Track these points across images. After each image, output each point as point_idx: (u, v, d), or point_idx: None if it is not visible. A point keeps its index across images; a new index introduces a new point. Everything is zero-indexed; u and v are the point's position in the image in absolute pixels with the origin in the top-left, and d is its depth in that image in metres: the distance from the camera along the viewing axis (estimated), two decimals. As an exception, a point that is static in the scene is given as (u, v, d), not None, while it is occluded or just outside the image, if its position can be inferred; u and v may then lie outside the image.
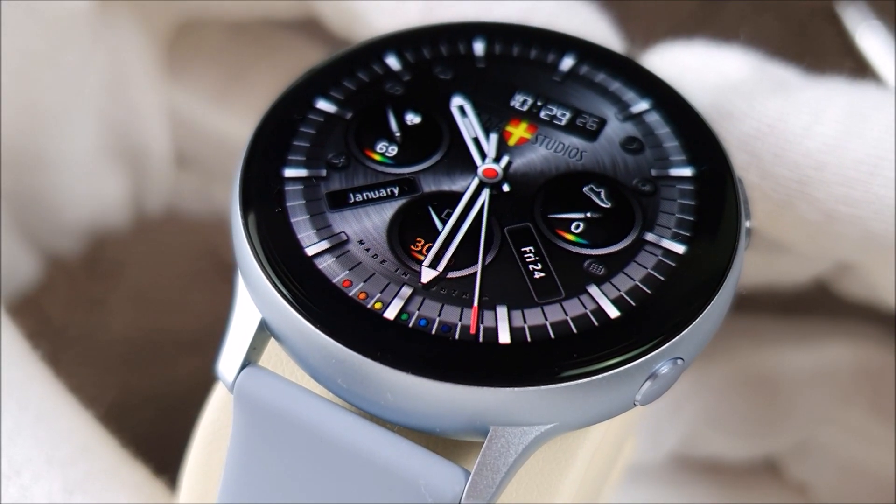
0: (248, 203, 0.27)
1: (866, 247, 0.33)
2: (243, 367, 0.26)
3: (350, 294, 0.25)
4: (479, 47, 0.30)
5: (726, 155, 0.29)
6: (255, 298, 0.26)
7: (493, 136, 0.29)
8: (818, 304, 0.41)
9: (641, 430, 0.39)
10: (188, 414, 0.46)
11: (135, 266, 0.48)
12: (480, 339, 0.25)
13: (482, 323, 0.25)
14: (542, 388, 0.24)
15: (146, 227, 0.44)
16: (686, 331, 0.25)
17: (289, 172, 0.27)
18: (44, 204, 0.39)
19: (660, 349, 0.25)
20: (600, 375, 0.25)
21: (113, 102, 0.38)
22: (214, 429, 0.29)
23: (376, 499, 0.25)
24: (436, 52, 0.30)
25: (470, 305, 0.25)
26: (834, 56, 0.49)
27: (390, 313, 0.25)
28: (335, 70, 0.30)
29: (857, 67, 0.35)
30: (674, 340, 0.25)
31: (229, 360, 0.26)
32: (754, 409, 0.40)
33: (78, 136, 0.38)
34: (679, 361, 0.26)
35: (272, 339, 0.27)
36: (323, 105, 0.29)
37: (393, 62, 0.30)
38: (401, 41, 0.31)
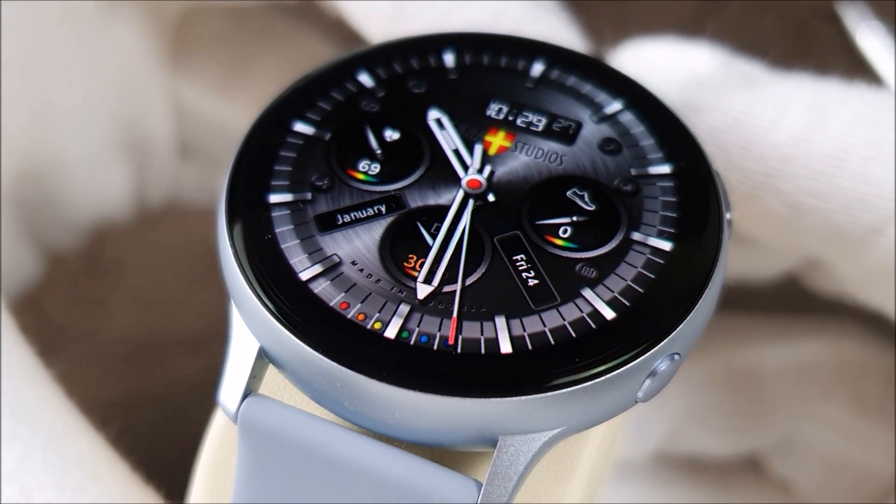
0: (236, 232, 0.27)
1: (833, 240, 0.33)
2: (245, 396, 0.26)
3: (349, 316, 0.25)
4: (449, 59, 0.31)
5: (702, 149, 0.29)
6: (251, 327, 0.26)
7: (478, 147, 0.29)
8: (790, 302, 0.41)
9: (624, 428, 0.39)
10: (188, 414, 0.46)
11: (135, 266, 0.48)
12: (483, 351, 0.25)
13: (461, 334, 0.25)
14: (548, 394, 0.24)
15: (148, 222, 0.44)
16: (681, 326, 0.26)
17: (274, 198, 0.27)
18: (46, 199, 0.39)
19: (657, 347, 0.25)
20: (603, 378, 0.25)
21: (117, 95, 0.39)
22: (217, 458, 0.29)
23: None
24: (407, 66, 0.30)
25: (474, 319, 0.26)
26: (834, 56, 0.49)
27: (391, 332, 0.25)
28: (309, 91, 0.30)
29: (852, 67, 0.35)
30: (670, 337, 0.26)
31: (230, 391, 0.26)
32: (736, 406, 0.41)
33: (82, 130, 0.38)
34: (676, 357, 0.26)
35: (271, 365, 0.27)
36: (300, 128, 0.29)
37: (365, 79, 0.30)
38: (371, 57, 0.30)
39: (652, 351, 0.25)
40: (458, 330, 0.25)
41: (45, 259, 0.42)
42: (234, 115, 0.40)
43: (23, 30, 0.35)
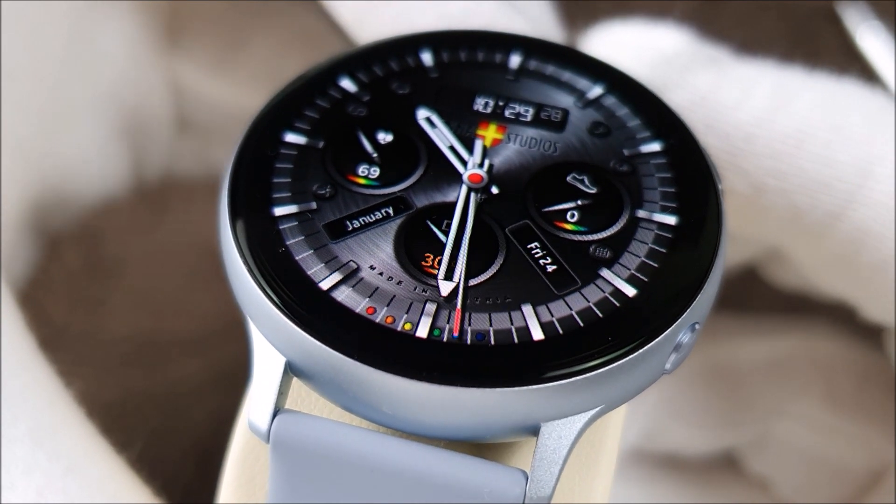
0: (247, 249, 0.26)
1: (794, 224, 0.34)
2: (275, 414, 0.26)
3: (377, 321, 0.25)
4: (427, 58, 0.31)
5: (686, 124, 0.30)
6: (276, 343, 0.26)
7: (477, 142, 0.29)
8: (757, 299, 0.42)
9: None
10: (188, 414, 0.46)
11: (135, 266, 0.48)
12: (516, 341, 0.25)
13: (492, 326, 0.25)
14: (587, 376, 0.25)
15: (147, 200, 0.44)
16: (699, 296, 0.26)
17: (279, 211, 0.27)
18: (46, 183, 0.39)
19: (681, 318, 0.26)
20: (636, 353, 0.25)
21: (117, 77, 0.39)
22: (241, 482, 0.29)
23: None
24: (387, 68, 0.30)
25: (503, 310, 0.26)
26: (834, 56, 0.49)
27: (422, 332, 0.25)
28: (295, 100, 0.29)
29: (812, 56, 0.35)
30: (691, 307, 0.26)
31: (260, 411, 0.26)
32: (712, 404, 0.41)
33: (81, 114, 0.38)
34: (696, 326, 0.27)
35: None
36: (292, 138, 0.29)
37: (348, 84, 0.30)
38: (350, 63, 0.30)
39: (677, 322, 0.26)
40: (490, 322, 0.25)
41: (45, 246, 0.42)
42: (230, 92, 0.41)
43: (18, 16, 0.35)
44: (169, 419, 0.45)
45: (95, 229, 0.48)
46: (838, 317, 0.40)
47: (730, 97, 0.33)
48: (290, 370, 0.26)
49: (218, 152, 0.43)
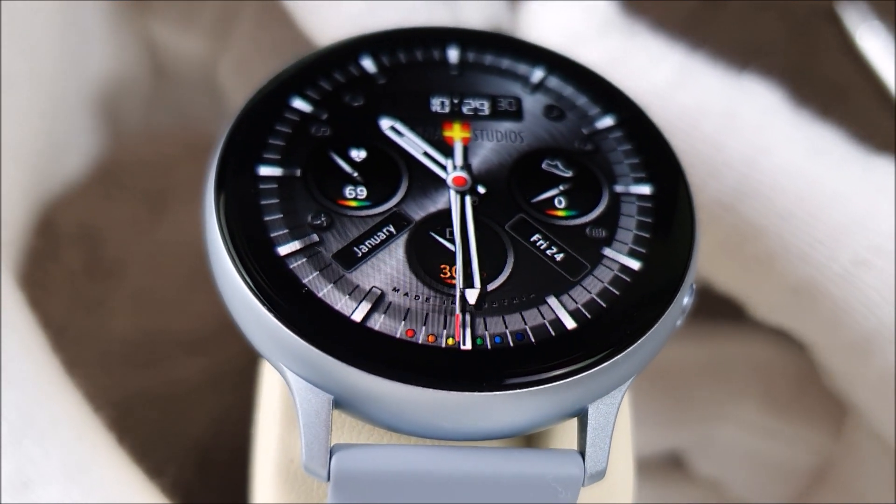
0: (270, 297, 0.26)
1: None
2: (332, 453, 0.25)
3: (421, 342, 0.25)
4: (369, 65, 0.30)
5: (629, 97, 0.30)
6: (321, 383, 0.25)
7: (458, 144, 0.29)
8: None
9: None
10: (188, 414, 0.46)
11: (135, 266, 0.48)
12: (553, 334, 0.26)
13: (527, 324, 0.26)
14: (626, 352, 0.26)
15: (127, 150, 0.44)
16: (692, 258, 0.27)
17: (283, 250, 0.26)
18: (41, 171, 0.39)
19: (685, 280, 0.27)
20: (659, 321, 0.26)
21: (91, 46, 0.38)
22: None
23: None
24: (334, 81, 0.30)
25: (531, 307, 0.26)
26: (834, 56, 0.49)
27: (467, 344, 0.25)
28: (255, 130, 0.28)
29: (749, 59, 0.36)
30: (689, 269, 0.27)
31: (316, 454, 0.25)
32: (655, 405, 0.41)
33: (73, 103, 0.38)
34: (693, 287, 0.27)
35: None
36: (267, 171, 0.28)
37: (302, 105, 0.29)
38: (295, 81, 0.30)
39: (683, 284, 0.27)
40: (524, 321, 0.26)
41: (40, 222, 0.41)
42: (196, 43, 0.41)
43: (11, 16, 0.35)
44: (169, 419, 0.45)
45: (95, 229, 0.48)
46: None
47: (636, 64, 0.34)
48: (338, 405, 0.26)
49: (194, 104, 0.43)
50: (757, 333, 0.41)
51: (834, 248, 0.33)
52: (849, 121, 0.36)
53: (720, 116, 0.34)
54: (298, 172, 0.28)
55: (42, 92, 0.36)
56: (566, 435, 0.29)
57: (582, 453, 0.26)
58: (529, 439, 0.29)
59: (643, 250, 0.27)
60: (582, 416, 0.26)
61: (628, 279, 0.27)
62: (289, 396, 0.29)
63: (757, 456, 0.42)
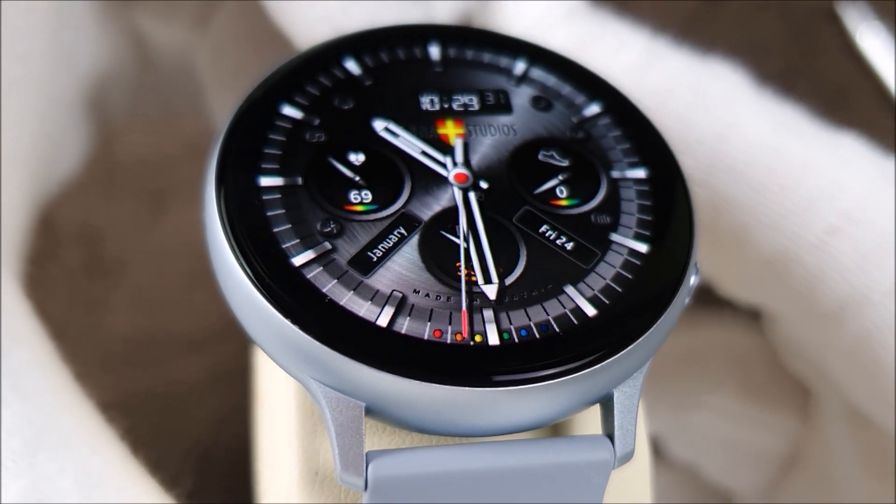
0: (294, 311, 0.25)
1: None
2: (368, 461, 0.25)
3: (450, 342, 0.25)
4: (353, 66, 0.30)
5: (610, 84, 0.31)
6: (354, 392, 0.25)
7: (458, 141, 0.29)
8: None
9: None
10: (188, 414, 0.46)
11: (135, 266, 0.48)
12: (576, 322, 0.26)
13: (549, 315, 0.26)
14: (646, 334, 0.26)
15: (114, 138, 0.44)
16: (694, 237, 0.28)
17: (297, 260, 0.26)
18: (39, 171, 0.39)
19: (690, 259, 0.27)
20: (673, 300, 0.27)
21: (91, 49, 0.39)
22: None
23: (555, 500, 0.26)
24: (320, 86, 0.29)
25: (550, 297, 0.26)
26: (834, 56, 0.49)
27: (494, 339, 0.25)
28: (246, 142, 0.28)
29: (713, 44, 0.36)
30: (693, 248, 0.28)
31: (352, 463, 0.25)
32: None
33: (67, 99, 0.38)
34: (697, 265, 0.28)
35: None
36: (268, 181, 0.27)
37: (292, 111, 0.29)
38: (282, 87, 0.29)
39: (689, 263, 0.27)
40: (546, 312, 0.26)
41: (39, 224, 0.41)
42: (178, 34, 0.41)
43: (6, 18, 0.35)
44: (169, 419, 0.45)
45: (95, 229, 0.48)
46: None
47: (605, 47, 0.34)
48: (370, 412, 0.26)
49: (179, 94, 0.43)
50: (734, 318, 0.42)
51: (806, 218, 0.34)
52: (820, 105, 0.36)
53: (689, 94, 0.34)
54: (300, 180, 0.28)
55: (39, 94, 0.36)
56: (583, 421, 0.29)
57: (610, 437, 0.26)
58: (554, 428, 0.29)
59: (648, 233, 0.28)
60: (607, 401, 0.26)
61: (638, 262, 0.27)
62: (304, 405, 0.29)
63: (732, 441, 0.42)
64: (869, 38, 0.49)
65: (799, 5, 0.50)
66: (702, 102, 0.34)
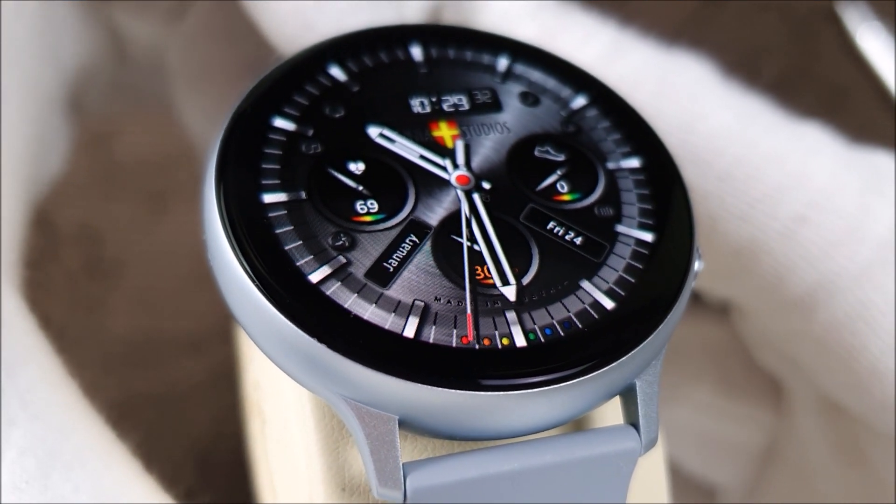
0: (317, 329, 0.25)
1: None
2: (405, 474, 0.25)
3: (478, 347, 0.25)
4: (337, 73, 0.29)
5: (593, 75, 0.31)
6: (387, 406, 0.25)
7: (459, 143, 0.29)
8: None
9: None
10: (188, 414, 0.46)
11: (135, 266, 0.48)
12: (597, 317, 0.26)
13: (570, 311, 0.26)
14: (664, 324, 0.26)
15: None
16: (695, 224, 0.28)
17: (315, 277, 0.25)
18: (31, 171, 0.39)
19: (694, 245, 0.28)
20: (684, 288, 0.27)
21: (60, 39, 0.39)
22: None
23: (587, 492, 0.26)
24: (308, 95, 0.29)
25: (568, 294, 0.26)
26: (834, 56, 0.49)
27: (520, 341, 0.25)
28: (242, 158, 0.27)
29: (679, 35, 0.36)
30: (695, 233, 0.28)
31: (390, 477, 0.25)
32: None
33: (31, 81, 0.38)
34: (699, 250, 0.28)
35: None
36: (271, 198, 0.27)
37: (284, 123, 0.28)
38: (271, 97, 0.29)
39: (694, 249, 0.28)
40: (566, 309, 0.26)
41: (39, 224, 0.41)
42: (153, 28, 0.41)
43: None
44: (169, 419, 0.45)
45: (95, 229, 0.48)
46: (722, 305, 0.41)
47: (572, 38, 0.34)
48: (403, 424, 0.25)
49: (155, 88, 0.43)
50: (704, 312, 0.42)
51: (773, 206, 0.34)
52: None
53: (655, 85, 0.34)
54: (303, 194, 0.27)
55: (29, 96, 0.36)
56: (599, 412, 0.29)
57: (634, 425, 0.26)
58: (576, 422, 0.29)
59: (651, 221, 0.28)
60: (629, 391, 0.26)
61: (646, 251, 0.27)
62: (324, 421, 0.28)
63: (710, 436, 0.42)
64: (869, 39, 0.49)
65: (799, 5, 0.50)
66: (668, 93, 0.34)
